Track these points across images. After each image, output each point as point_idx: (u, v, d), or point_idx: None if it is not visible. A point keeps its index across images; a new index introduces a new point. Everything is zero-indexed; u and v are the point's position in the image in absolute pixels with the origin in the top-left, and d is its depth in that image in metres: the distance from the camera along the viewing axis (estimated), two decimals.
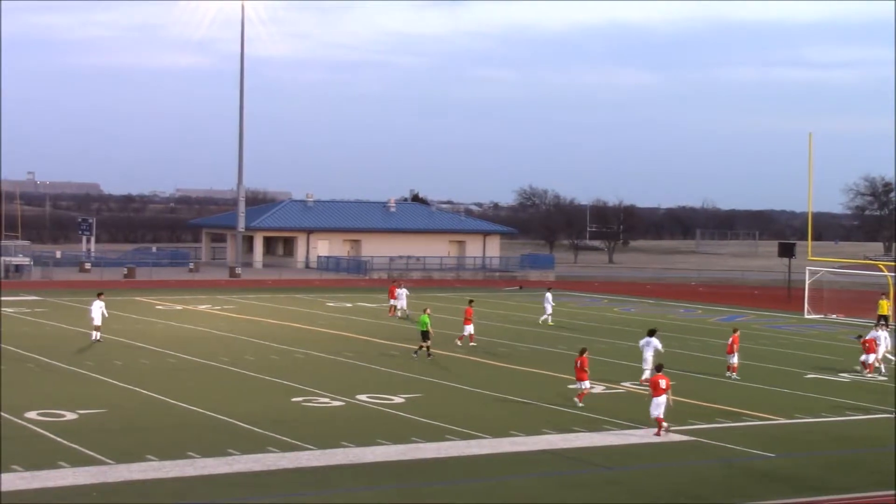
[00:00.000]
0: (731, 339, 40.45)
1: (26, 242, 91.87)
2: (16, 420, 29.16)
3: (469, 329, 47.36)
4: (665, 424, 29.20)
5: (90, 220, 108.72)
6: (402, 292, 60.23)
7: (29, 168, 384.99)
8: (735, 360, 40.13)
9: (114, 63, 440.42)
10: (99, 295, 47.42)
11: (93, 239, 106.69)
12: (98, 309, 46.02)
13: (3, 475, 23.28)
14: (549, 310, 57.40)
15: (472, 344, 46.82)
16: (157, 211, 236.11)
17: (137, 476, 23.71)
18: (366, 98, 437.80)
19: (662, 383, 29.19)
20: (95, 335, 45.75)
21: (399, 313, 58.93)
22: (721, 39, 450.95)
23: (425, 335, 43.30)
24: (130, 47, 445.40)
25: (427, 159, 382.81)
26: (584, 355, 33.52)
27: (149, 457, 25.29)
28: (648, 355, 37.47)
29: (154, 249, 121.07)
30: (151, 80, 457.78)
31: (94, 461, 24.85)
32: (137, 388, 34.79)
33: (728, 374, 39.87)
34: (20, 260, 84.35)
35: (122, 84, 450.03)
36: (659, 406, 29.02)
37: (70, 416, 29.92)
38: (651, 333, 38.23)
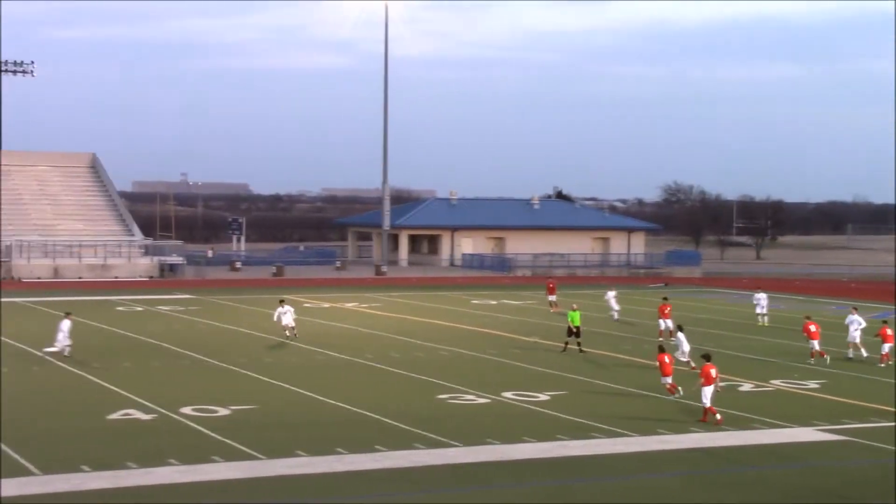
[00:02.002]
0: (881, 331, 41.08)
1: (179, 242, 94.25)
2: (171, 415, 29.98)
3: (668, 324, 47.30)
4: (718, 417, 29.47)
5: (240, 220, 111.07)
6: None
7: (182, 170, 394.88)
8: (886, 348, 40.60)
9: (261, 65, 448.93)
10: (281, 301, 48.07)
11: (243, 238, 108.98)
12: (284, 314, 46.58)
13: (160, 469, 24.02)
14: (762, 309, 56.11)
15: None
16: (304, 210, 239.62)
17: (287, 471, 24.17)
18: (507, 95, 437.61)
19: (713, 372, 29.77)
20: (289, 333, 46.35)
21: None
22: (869, 29, 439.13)
23: (573, 331, 43.32)
24: (275, 49, 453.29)
25: (569, 156, 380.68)
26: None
27: (298, 452, 25.76)
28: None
29: (301, 248, 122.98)
30: (297, 81, 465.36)
31: (245, 456, 25.42)
32: (287, 385, 35.43)
33: (881, 364, 39.91)
34: (174, 259, 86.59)
35: (270, 86, 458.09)
36: (707, 395, 29.68)
37: (223, 411, 30.63)
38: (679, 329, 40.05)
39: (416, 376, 37.71)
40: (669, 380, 33.35)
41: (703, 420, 29.62)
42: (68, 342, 40.42)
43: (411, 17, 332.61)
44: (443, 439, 27.39)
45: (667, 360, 33.27)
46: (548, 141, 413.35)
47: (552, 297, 61.14)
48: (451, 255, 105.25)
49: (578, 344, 43.37)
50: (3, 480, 22.72)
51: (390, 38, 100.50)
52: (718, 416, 29.61)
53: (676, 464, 25.70)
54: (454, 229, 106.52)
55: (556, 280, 67.75)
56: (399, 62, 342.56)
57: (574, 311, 44.11)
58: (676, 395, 33.08)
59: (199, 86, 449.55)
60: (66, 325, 40.61)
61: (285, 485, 23.20)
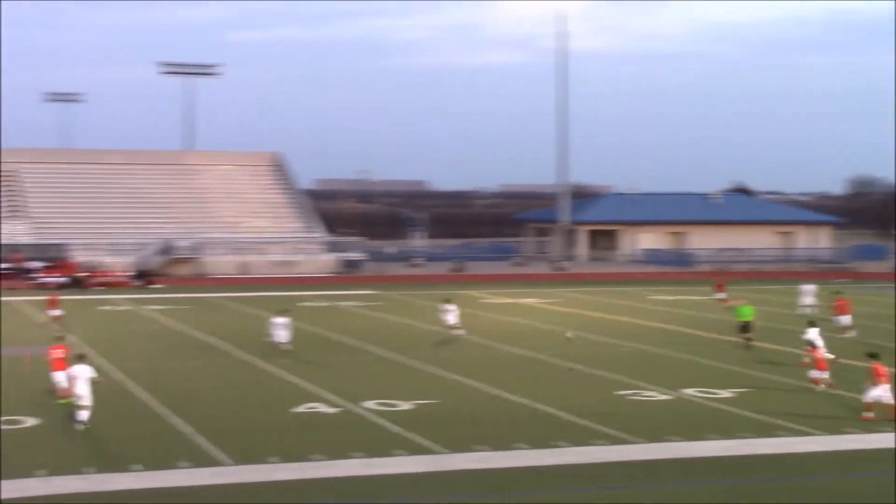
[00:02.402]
0: None
1: (361, 238, 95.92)
2: (354, 409, 30.60)
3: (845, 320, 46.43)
4: (871, 414, 29.05)
5: (419, 217, 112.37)
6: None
7: (363, 167, 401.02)
8: None
9: (437, 62, 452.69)
10: (446, 300, 48.36)
11: (422, 234, 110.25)
12: (448, 312, 46.83)
13: (344, 461, 24.57)
14: None
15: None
16: (482, 206, 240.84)
17: (469, 465, 24.42)
18: (683, 89, 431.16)
19: (884, 371, 29.61)
20: (455, 332, 46.62)
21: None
22: None
23: (746, 327, 42.78)
24: (453, 47, 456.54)
25: (748, 149, 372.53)
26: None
27: (479, 447, 26.00)
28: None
29: (480, 244, 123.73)
30: (474, 78, 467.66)
31: (427, 450, 25.78)
32: (467, 380, 35.76)
33: None
34: (356, 255, 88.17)
35: (448, 83, 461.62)
36: (875, 393, 29.31)
37: (405, 406, 31.10)
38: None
39: (595, 372, 37.60)
40: (822, 374, 33.38)
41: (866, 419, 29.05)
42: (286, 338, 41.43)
43: (587, 13, 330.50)
44: (622, 435, 27.28)
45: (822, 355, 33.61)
46: (726, 134, 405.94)
47: (721, 295, 60.08)
48: (630, 250, 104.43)
49: (749, 339, 42.80)
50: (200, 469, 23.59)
51: (566, 33, 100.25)
52: (871, 414, 29.07)
53: (866, 464, 25.03)
54: (633, 224, 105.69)
55: (726, 276, 66.74)
56: (575, 57, 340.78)
57: (744, 306, 43.54)
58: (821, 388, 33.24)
59: (380, 84, 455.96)
60: (282, 321, 41.55)
61: (467, 479, 23.45)
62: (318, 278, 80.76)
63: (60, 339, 33.86)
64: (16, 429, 27.85)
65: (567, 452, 25.62)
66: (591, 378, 36.62)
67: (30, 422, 28.54)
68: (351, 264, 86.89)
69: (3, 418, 28.72)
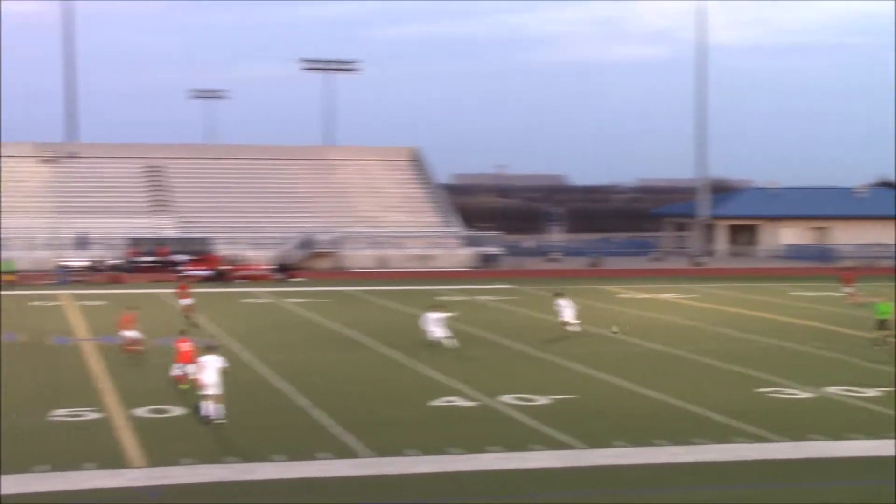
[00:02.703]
0: None
1: (498, 233, 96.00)
2: (492, 403, 30.70)
3: None
4: None
5: (557, 211, 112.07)
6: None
7: (501, 162, 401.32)
8: None
9: (575, 57, 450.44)
10: (558, 295, 48.14)
11: (559, 229, 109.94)
12: (564, 308, 46.52)
13: (482, 455, 24.66)
14: None
15: None
16: (620, 201, 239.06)
17: (607, 461, 24.32)
18: (825, 82, 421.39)
19: None
20: (571, 328, 46.37)
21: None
22: None
23: (883, 324, 41.80)
24: (592, 41, 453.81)
25: (892, 142, 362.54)
26: None
27: (617, 443, 25.87)
28: None
29: (617, 239, 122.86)
30: (611, 72, 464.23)
31: (565, 445, 25.74)
32: (605, 375, 35.59)
33: None
34: (493, 250, 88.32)
35: (585, 77, 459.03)
36: None
37: (543, 400, 31.08)
38: None
39: (735, 368, 37.06)
40: None
41: None
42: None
43: (727, 6, 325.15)
44: (763, 433, 26.86)
45: None
46: (869, 127, 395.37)
47: (849, 289, 58.92)
48: (772, 245, 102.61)
49: (886, 337, 41.79)
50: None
51: (706, 26, 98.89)
52: None
53: None
54: (774, 219, 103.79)
55: (854, 272, 65.27)
56: (714, 50, 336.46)
57: (884, 303, 42.61)
58: None
59: (517, 79, 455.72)
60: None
61: (605, 475, 23.36)
62: (456, 272, 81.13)
63: (185, 332, 34.76)
64: (163, 417, 28.62)
65: (706, 450, 25.32)
66: (730, 374, 36.10)
67: (176, 411, 29.30)
68: (488, 259, 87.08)
69: (151, 407, 29.55)
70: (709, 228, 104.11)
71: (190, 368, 31.52)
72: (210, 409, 27.90)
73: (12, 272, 67.06)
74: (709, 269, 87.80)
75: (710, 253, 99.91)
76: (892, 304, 42.86)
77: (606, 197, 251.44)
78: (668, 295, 64.00)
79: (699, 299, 61.66)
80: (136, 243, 79.52)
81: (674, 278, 77.74)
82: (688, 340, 43.94)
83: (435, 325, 41.03)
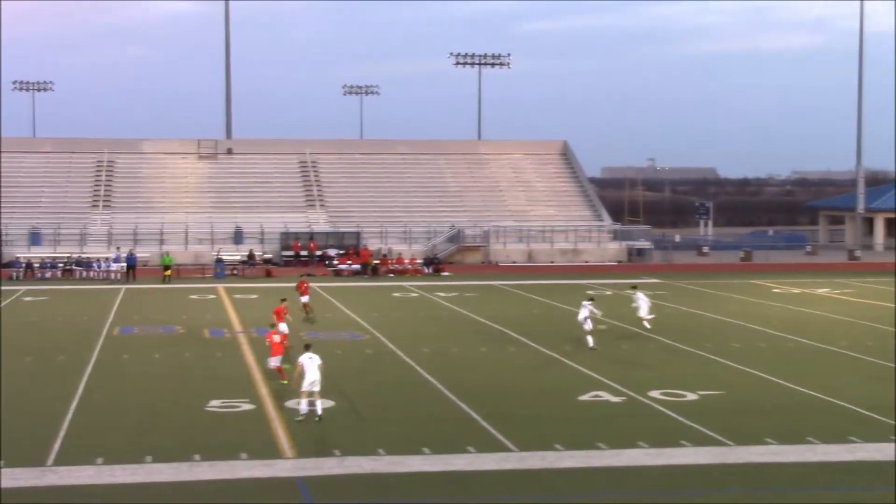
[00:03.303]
0: None
1: (647, 227, 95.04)
2: (640, 398, 30.48)
3: None
4: None
5: (707, 205, 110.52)
6: None
7: (650, 155, 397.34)
8: None
9: (728, 48, 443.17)
10: (634, 288, 47.27)
11: (710, 223, 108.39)
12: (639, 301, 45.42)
13: (629, 451, 24.54)
14: None
15: None
16: (773, 194, 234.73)
17: (756, 458, 23.96)
18: None
19: None
20: (647, 322, 45.23)
21: None
22: None
23: None
24: (743, 31, 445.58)
25: None
26: None
27: (767, 440, 25.45)
28: None
29: (770, 233, 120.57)
30: (765, 62, 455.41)
31: (714, 441, 25.43)
32: (755, 371, 35.02)
33: None
34: (642, 244, 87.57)
35: (737, 68, 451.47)
36: None
37: (691, 396, 30.75)
38: None
39: (892, 365, 36.07)
40: None
41: None
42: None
43: None
44: None
45: None
46: None
47: None
48: None
49: None
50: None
51: (866, 13, 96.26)
52: None
53: None
54: None
55: None
56: (875, 38, 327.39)
57: None
58: None
59: (667, 71, 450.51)
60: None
61: (754, 472, 23.02)
62: (605, 267, 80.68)
63: (274, 325, 35.34)
64: (313, 409, 29.10)
65: (863, 448, 24.76)
66: (886, 371, 35.15)
67: (326, 403, 29.79)
68: (638, 253, 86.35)
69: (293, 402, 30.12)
70: (866, 222, 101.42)
71: (273, 361, 32.49)
72: (304, 405, 27.59)
73: (169, 266, 68.98)
74: (866, 263, 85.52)
75: (867, 246, 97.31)
76: None
77: (759, 190, 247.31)
78: (823, 290, 62.61)
79: (855, 294, 60.15)
80: (296, 238, 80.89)
81: (829, 273, 76.00)
82: (843, 336, 42.94)
83: (585, 317, 41.05)
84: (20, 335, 43.13)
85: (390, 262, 76.25)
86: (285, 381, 31.67)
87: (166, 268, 68.66)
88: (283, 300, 41.51)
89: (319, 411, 27.55)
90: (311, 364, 27.71)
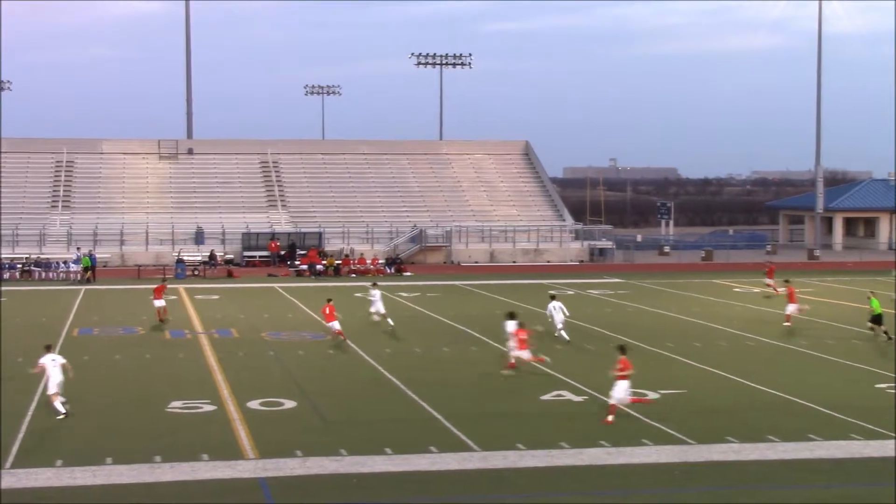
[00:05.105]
0: None
1: (609, 227, 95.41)
2: (602, 397, 30.45)
3: None
4: None
5: (669, 204, 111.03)
6: None
7: (611, 155, 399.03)
8: None
9: (686, 49, 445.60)
10: (553, 297, 44.72)
11: (671, 222, 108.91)
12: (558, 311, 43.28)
13: (591, 450, 24.59)
14: None
15: None
16: (733, 194, 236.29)
17: (719, 457, 24.07)
18: None
19: None
20: (558, 333, 42.74)
21: None
22: None
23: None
24: (703, 32, 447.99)
25: None
26: None
27: (728, 438, 25.58)
28: None
29: (731, 232, 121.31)
30: (723, 63, 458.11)
31: (676, 440, 25.53)
32: (716, 370, 35.20)
33: None
34: (604, 244, 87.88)
35: (695, 69, 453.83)
36: None
37: (652, 395, 30.82)
38: None
39: (854, 364, 36.38)
40: None
41: None
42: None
43: None
44: (883, 431, 26.31)
45: None
46: None
47: (768, 280, 59.65)
48: (891, 238, 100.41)
49: (885, 332, 41.82)
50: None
51: (825, 15, 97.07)
52: None
53: None
54: (893, 211, 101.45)
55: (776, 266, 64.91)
56: (832, 40, 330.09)
57: (872, 299, 43.15)
58: None
59: (628, 72, 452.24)
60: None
61: (717, 471, 23.12)
62: (566, 266, 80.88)
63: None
64: (275, 410, 29.03)
65: (822, 446, 24.94)
66: (848, 370, 35.47)
67: (288, 404, 29.71)
68: (599, 252, 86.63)
69: (263, 400, 29.99)
70: (825, 221, 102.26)
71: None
72: (58, 404, 27.86)
73: (88, 267, 68.54)
74: (825, 262, 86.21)
75: (826, 246, 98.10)
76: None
77: (720, 189, 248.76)
78: (783, 289, 62.88)
79: (815, 293, 60.58)
80: (273, 238, 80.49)
81: (789, 272, 76.42)
82: (803, 335, 43.23)
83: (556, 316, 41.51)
84: None
85: (352, 262, 76.10)
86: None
87: (86, 269, 68.12)
88: (330, 300, 41.70)
89: (63, 410, 27.77)
90: (53, 365, 28.19)
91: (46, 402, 28.23)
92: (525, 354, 34.29)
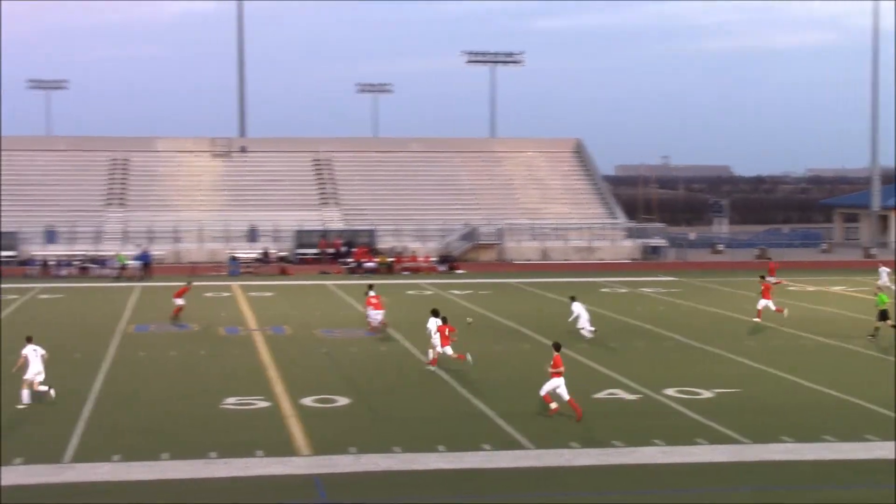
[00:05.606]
0: None
1: (661, 225, 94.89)
2: (655, 396, 30.45)
3: None
4: None
5: (722, 202, 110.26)
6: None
7: (664, 152, 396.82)
8: None
9: (741, 46, 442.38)
10: (573, 298, 44.09)
11: (725, 220, 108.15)
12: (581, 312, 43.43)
13: (645, 448, 24.50)
14: None
15: None
16: (787, 191, 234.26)
17: (773, 457, 23.90)
18: None
19: None
20: (586, 332, 43.65)
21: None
22: None
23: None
24: (757, 29, 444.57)
25: None
26: None
27: (783, 438, 25.39)
28: None
29: (785, 230, 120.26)
30: (779, 60, 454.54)
31: (730, 440, 25.38)
32: (771, 369, 34.95)
33: None
34: (657, 242, 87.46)
35: (750, 66, 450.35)
36: None
37: (707, 394, 30.70)
38: None
39: None
40: None
41: None
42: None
43: None
44: None
45: None
46: None
47: (770, 278, 57.44)
48: None
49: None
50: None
51: (880, 11, 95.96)
52: None
53: None
54: None
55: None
56: (889, 35, 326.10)
57: (881, 295, 43.24)
58: None
59: (681, 69, 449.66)
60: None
61: (771, 470, 22.96)
62: (619, 264, 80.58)
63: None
64: (329, 407, 29.17)
65: (879, 447, 24.66)
66: None
67: (342, 401, 29.84)
68: (652, 250, 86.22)
69: (317, 396, 30.14)
70: (881, 219, 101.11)
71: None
72: (26, 395, 29.10)
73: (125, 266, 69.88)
74: (881, 261, 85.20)
75: (882, 244, 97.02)
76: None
77: (773, 187, 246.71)
78: (839, 287, 62.46)
79: (871, 292, 59.87)
80: (324, 236, 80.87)
81: (844, 270, 75.80)
82: (858, 334, 42.81)
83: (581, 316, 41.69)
84: (36, 333, 43.09)
85: (405, 259, 76.28)
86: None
87: (122, 267, 69.34)
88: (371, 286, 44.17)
89: (52, 392, 29.33)
90: (34, 356, 29.41)
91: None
92: (448, 350, 34.58)
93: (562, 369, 28.14)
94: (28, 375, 29.19)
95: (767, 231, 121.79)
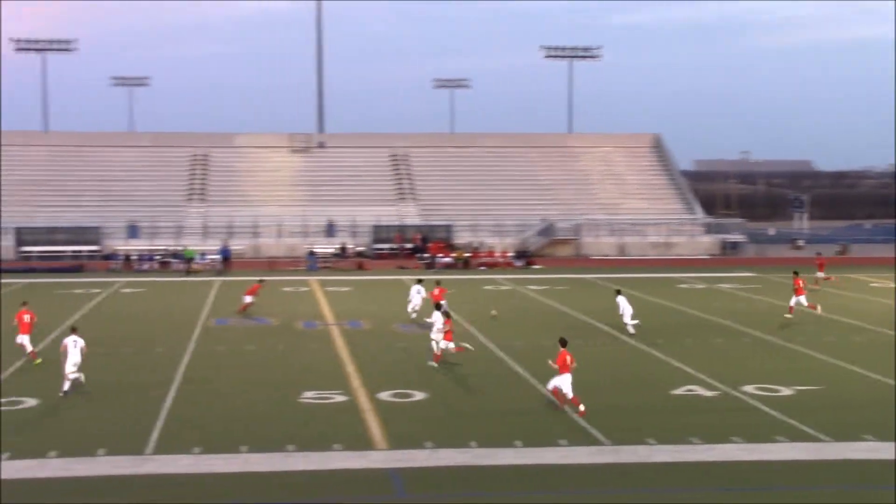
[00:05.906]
0: None
1: (740, 220, 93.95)
2: (733, 392, 30.19)
3: None
4: None
5: (802, 198, 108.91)
6: None
7: (743, 147, 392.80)
8: None
9: (820, 38, 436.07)
10: (618, 292, 45.59)
11: (805, 216, 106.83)
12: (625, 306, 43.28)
13: (723, 445, 24.32)
14: None
15: None
16: (870, 186, 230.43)
17: (854, 455, 23.60)
18: None
19: None
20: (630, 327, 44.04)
21: None
22: None
23: None
24: (838, 21, 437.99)
25: None
26: None
27: (865, 436, 25.07)
28: None
29: (868, 226, 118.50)
30: (861, 52, 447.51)
31: (810, 438, 25.10)
32: (851, 366, 34.50)
33: None
34: (735, 237, 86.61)
35: (829, 59, 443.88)
36: None
37: (786, 391, 30.39)
38: None
39: None
40: None
41: None
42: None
43: None
44: None
45: None
46: None
47: (820, 274, 58.85)
48: None
49: None
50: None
51: None
52: None
53: None
54: None
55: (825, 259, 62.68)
56: None
57: None
58: None
59: (760, 63, 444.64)
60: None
61: (852, 469, 22.69)
62: (697, 260, 79.91)
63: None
64: (406, 402, 29.31)
65: None
66: None
67: (418, 395, 29.96)
68: (731, 246, 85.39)
69: (394, 391, 30.29)
70: None
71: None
72: (67, 385, 29.86)
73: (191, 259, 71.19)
74: None
75: None
76: None
77: (856, 182, 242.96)
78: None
79: None
80: (401, 231, 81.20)
81: None
82: None
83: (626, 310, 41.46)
84: (120, 326, 43.98)
85: (482, 255, 76.34)
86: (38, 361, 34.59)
87: (188, 260, 70.41)
88: (438, 283, 44.24)
89: (82, 378, 30.17)
90: (73, 347, 30.08)
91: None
92: (450, 345, 34.66)
93: (573, 366, 28.21)
94: (68, 369, 29.98)
95: (850, 226, 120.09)
